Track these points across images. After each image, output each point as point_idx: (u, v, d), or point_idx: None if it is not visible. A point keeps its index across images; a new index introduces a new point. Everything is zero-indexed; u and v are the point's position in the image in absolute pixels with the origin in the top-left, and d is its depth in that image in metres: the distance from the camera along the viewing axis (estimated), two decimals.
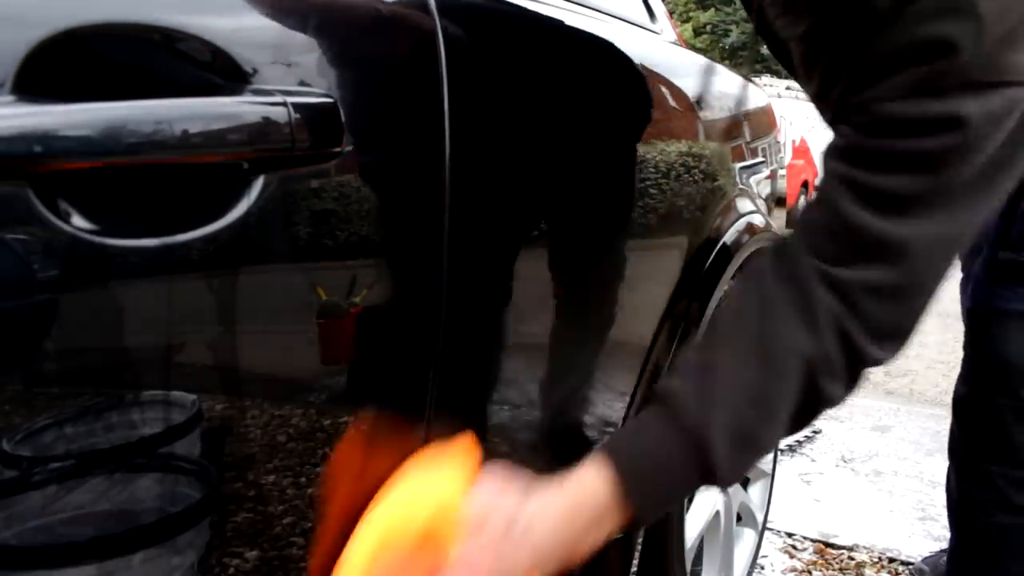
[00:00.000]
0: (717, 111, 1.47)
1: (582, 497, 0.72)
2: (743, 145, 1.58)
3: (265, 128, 0.61)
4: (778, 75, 16.69)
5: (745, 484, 1.70)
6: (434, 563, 0.68)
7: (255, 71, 0.62)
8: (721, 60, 2.07)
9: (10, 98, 0.49)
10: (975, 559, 1.41)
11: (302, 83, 0.66)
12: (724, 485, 0.81)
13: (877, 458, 2.81)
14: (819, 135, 13.06)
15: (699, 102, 1.38)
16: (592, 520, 0.72)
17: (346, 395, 0.74)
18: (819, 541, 2.18)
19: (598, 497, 0.72)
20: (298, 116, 0.62)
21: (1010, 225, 1.28)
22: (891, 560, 2.10)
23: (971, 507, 1.40)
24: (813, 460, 2.78)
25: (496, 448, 0.95)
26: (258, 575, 0.68)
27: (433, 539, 0.69)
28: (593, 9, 1.19)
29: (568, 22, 1.09)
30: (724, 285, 1.34)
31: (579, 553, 0.72)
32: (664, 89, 1.30)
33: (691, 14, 19.08)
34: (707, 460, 0.72)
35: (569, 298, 1.04)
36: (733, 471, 0.74)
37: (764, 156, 1.73)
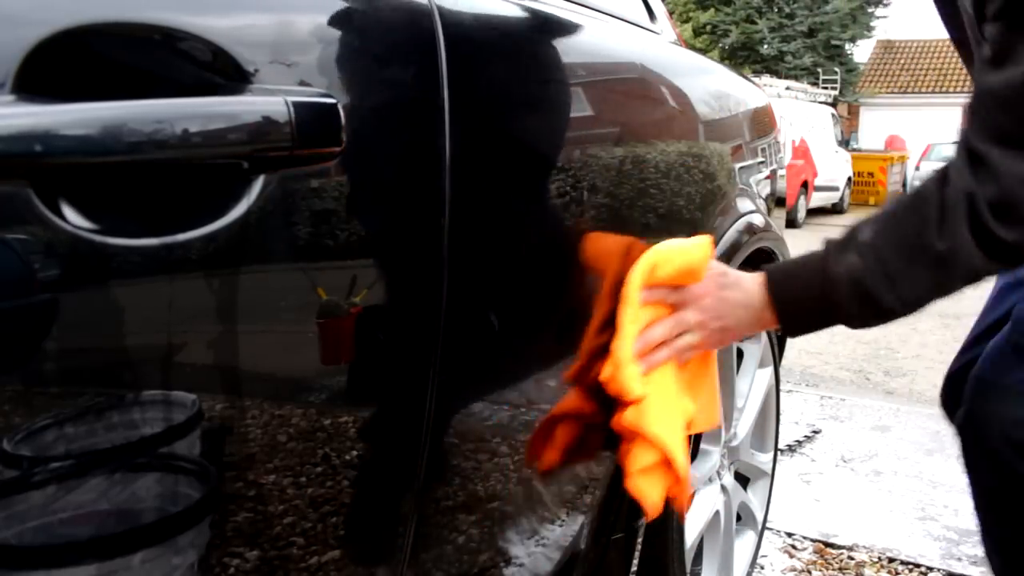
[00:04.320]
0: (717, 111, 1.47)
1: (749, 291, 0.97)
2: (743, 145, 1.57)
3: (265, 128, 0.61)
4: (778, 75, 16.68)
5: (745, 484, 1.70)
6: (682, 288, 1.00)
7: (255, 71, 0.62)
8: (721, 60, 2.07)
9: (10, 98, 0.49)
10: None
11: (302, 83, 0.66)
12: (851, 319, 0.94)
13: (877, 458, 2.81)
14: (819, 135, 13.07)
15: (699, 102, 1.38)
16: (755, 312, 0.97)
17: (346, 395, 0.74)
18: (819, 541, 2.18)
19: (756, 295, 0.97)
20: (298, 116, 0.62)
21: None
22: (891, 560, 2.10)
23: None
24: (813, 460, 2.78)
25: (496, 447, 0.95)
26: (258, 575, 0.68)
27: (680, 277, 1.00)
28: (593, 9, 1.19)
29: (568, 23, 1.09)
30: None
31: (753, 329, 1.00)
32: (664, 89, 1.30)
33: (691, 14, 19.03)
34: (830, 265, 0.91)
35: (569, 296, 1.04)
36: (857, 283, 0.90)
37: (764, 156, 1.73)
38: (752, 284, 0.98)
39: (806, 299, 0.94)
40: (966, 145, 0.87)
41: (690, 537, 1.39)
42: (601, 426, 1.01)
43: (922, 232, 0.87)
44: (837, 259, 0.91)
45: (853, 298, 0.90)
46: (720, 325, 0.99)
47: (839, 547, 2.16)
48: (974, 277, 0.90)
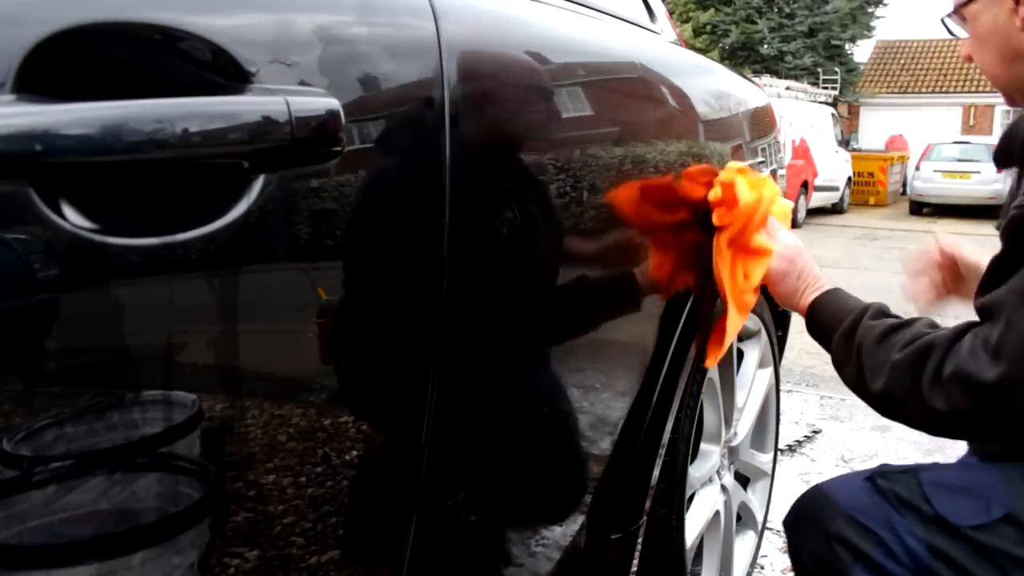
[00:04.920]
0: (717, 111, 1.47)
1: (817, 275, 1.23)
2: (743, 145, 1.58)
3: (265, 128, 0.61)
4: (778, 75, 16.67)
5: (745, 484, 1.70)
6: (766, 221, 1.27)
7: (255, 71, 0.62)
8: (721, 60, 2.06)
9: (10, 98, 0.49)
10: None
11: (302, 83, 0.66)
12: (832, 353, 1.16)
13: (877, 458, 2.81)
14: (819, 135, 13.07)
15: (699, 102, 1.38)
16: (806, 287, 1.22)
17: (346, 395, 0.74)
18: None
19: (819, 281, 1.22)
20: (298, 116, 0.62)
21: None
22: None
23: None
24: (813, 460, 2.78)
25: (497, 447, 0.95)
26: (258, 575, 0.68)
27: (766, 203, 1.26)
28: (593, 9, 1.19)
29: (569, 23, 1.09)
30: None
31: (790, 296, 1.24)
32: (664, 89, 1.30)
33: (691, 14, 19.00)
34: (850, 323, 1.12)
35: (570, 295, 1.04)
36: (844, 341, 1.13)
37: (764, 156, 1.73)
38: (821, 275, 1.22)
39: (830, 317, 1.16)
40: (970, 324, 0.97)
41: (690, 537, 1.39)
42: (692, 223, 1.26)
43: (894, 346, 1.03)
44: (867, 316, 1.09)
45: (843, 339, 1.11)
46: (792, 255, 1.23)
47: None
48: (913, 412, 1.00)
